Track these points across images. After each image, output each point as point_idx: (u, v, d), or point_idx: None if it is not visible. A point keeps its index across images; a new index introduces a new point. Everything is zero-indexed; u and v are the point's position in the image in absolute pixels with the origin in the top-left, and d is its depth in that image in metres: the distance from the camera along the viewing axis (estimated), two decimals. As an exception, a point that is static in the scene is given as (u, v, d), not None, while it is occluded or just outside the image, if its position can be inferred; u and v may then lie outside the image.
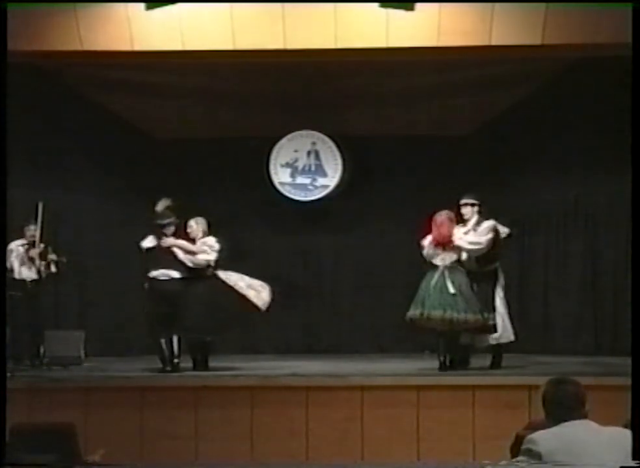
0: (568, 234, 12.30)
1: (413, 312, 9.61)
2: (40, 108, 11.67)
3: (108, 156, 12.30)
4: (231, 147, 12.35)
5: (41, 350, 10.55)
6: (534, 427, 4.60)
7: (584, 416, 4.17)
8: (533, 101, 11.68)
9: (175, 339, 9.79)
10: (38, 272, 10.69)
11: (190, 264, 9.93)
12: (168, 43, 9.30)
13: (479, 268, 9.83)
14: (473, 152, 12.10)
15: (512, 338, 9.89)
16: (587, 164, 11.74)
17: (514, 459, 4.23)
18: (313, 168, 12.46)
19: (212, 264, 10.03)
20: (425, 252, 9.82)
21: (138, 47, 9.30)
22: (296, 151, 12.47)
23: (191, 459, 8.64)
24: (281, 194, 12.45)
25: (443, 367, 9.59)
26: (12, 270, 10.53)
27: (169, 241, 9.95)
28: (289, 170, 12.47)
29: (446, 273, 9.64)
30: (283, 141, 12.42)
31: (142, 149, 12.35)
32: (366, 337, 12.58)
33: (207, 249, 10.02)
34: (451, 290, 9.52)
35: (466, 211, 9.90)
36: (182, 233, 10.13)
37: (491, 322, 9.71)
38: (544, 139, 11.91)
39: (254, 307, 10.01)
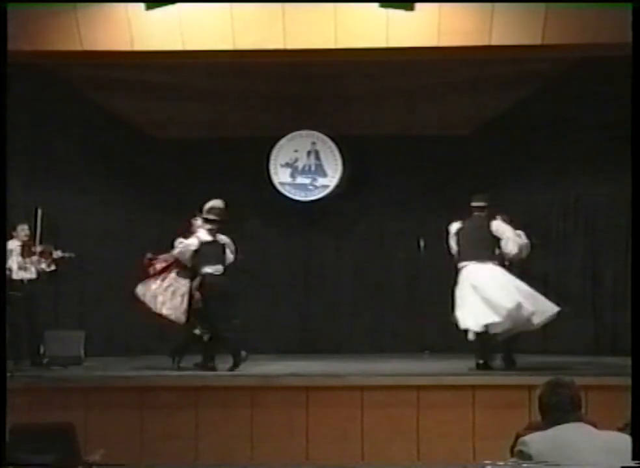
0: (568, 235, 12.30)
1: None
2: (40, 108, 11.67)
3: (108, 156, 12.30)
4: (231, 147, 12.34)
5: (41, 350, 10.55)
6: (534, 427, 4.59)
7: (579, 419, 4.16)
8: (533, 101, 11.68)
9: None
10: (37, 271, 10.68)
11: (230, 260, 10.26)
12: (168, 43, 9.31)
13: None
14: (474, 152, 12.09)
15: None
16: (587, 164, 11.73)
17: (504, 461, 4.24)
18: (313, 168, 12.46)
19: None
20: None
21: (138, 47, 9.30)
22: (296, 151, 12.47)
23: (191, 459, 8.64)
24: (281, 194, 12.45)
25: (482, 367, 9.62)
26: (11, 270, 10.51)
27: (223, 238, 10.27)
28: (289, 170, 12.47)
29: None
30: (283, 141, 12.42)
31: (142, 149, 12.35)
32: (366, 337, 12.57)
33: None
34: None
35: (479, 214, 9.97)
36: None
37: None
38: (544, 139, 11.90)
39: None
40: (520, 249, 9.94)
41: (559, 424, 4.12)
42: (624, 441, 4.15)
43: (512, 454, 5.49)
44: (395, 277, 12.43)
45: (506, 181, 12.15)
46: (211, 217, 10.21)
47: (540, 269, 12.21)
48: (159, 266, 10.33)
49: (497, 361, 9.85)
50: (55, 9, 9.15)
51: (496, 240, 9.83)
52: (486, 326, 9.42)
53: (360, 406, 8.76)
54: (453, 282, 9.73)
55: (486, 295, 9.48)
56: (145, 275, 10.32)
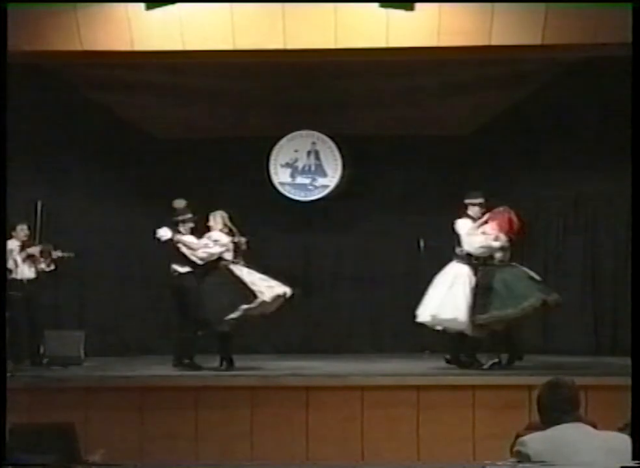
0: (568, 234, 12.30)
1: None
2: (39, 108, 11.66)
3: (108, 155, 12.30)
4: (231, 147, 12.34)
5: (41, 350, 10.55)
6: (534, 427, 4.60)
7: (578, 419, 4.16)
8: (533, 101, 11.67)
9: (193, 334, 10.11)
10: (37, 271, 10.68)
11: (193, 259, 10.27)
12: (168, 43, 9.30)
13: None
14: (473, 152, 12.08)
15: None
16: (587, 164, 11.73)
17: (504, 461, 4.25)
18: (313, 168, 12.46)
19: (225, 257, 10.30)
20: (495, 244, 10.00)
21: (138, 47, 9.29)
22: (296, 151, 12.46)
23: (191, 459, 8.64)
24: (281, 194, 12.44)
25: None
26: (11, 270, 10.52)
27: (176, 237, 10.35)
28: (289, 170, 12.46)
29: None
30: (283, 141, 12.41)
31: (142, 149, 12.34)
32: (366, 337, 12.57)
33: (209, 243, 10.25)
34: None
35: (474, 211, 10.05)
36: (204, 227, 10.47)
37: None
38: (544, 139, 11.90)
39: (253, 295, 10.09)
40: (475, 248, 9.97)
41: (557, 424, 4.13)
42: (623, 441, 4.15)
43: (512, 454, 5.50)
44: (395, 277, 12.43)
45: (506, 180, 12.15)
46: (174, 219, 10.50)
47: (539, 268, 12.23)
48: None
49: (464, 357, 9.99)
50: (55, 9, 9.15)
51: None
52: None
53: (360, 406, 8.76)
54: None
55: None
56: None
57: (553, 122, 11.82)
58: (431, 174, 12.24)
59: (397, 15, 9.02)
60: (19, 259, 10.61)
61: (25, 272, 10.67)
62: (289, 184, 12.45)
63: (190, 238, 10.38)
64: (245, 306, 9.96)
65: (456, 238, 10.14)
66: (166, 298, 11.82)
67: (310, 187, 12.44)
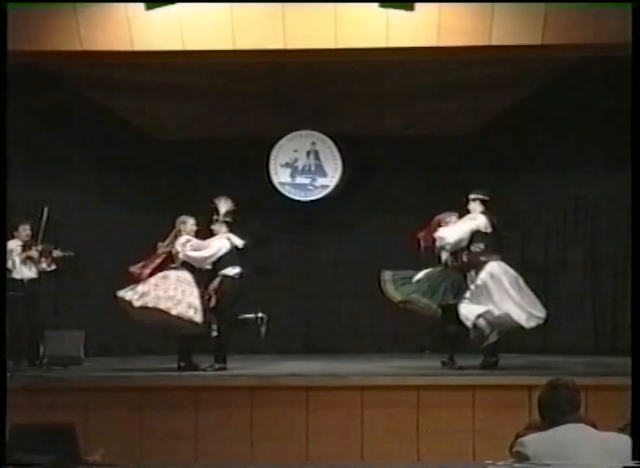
0: (568, 234, 12.30)
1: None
2: (39, 108, 11.67)
3: (108, 155, 12.30)
4: (231, 147, 12.34)
5: (41, 350, 10.54)
6: (534, 427, 4.60)
7: (578, 420, 4.17)
8: (532, 101, 11.67)
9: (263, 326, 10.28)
10: (38, 271, 10.69)
11: (196, 264, 10.28)
12: (168, 43, 9.30)
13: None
14: (473, 152, 12.09)
15: None
16: (587, 164, 11.74)
17: (504, 461, 4.25)
18: (312, 168, 12.46)
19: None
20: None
21: (138, 47, 9.29)
22: (296, 151, 12.46)
23: (191, 459, 8.64)
24: (281, 194, 12.45)
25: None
26: (11, 270, 10.52)
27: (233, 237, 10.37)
28: (288, 170, 12.46)
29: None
30: (283, 141, 12.42)
31: (141, 149, 12.34)
32: (366, 337, 12.57)
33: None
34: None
35: (472, 206, 9.95)
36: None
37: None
38: (544, 139, 11.91)
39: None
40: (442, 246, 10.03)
41: (557, 425, 4.13)
42: (623, 441, 4.15)
43: (511, 454, 5.50)
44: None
45: (506, 180, 12.15)
46: (229, 219, 10.41)
47: (539, 268, 12.23)
48: (147, 270, 10.28)
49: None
50: (55, 9, 9.15)
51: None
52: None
53: (360, 406, 8.76)
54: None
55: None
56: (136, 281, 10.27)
57: (553, 122, 11.82)
58: (431, 174, 12.24)
59: (397, 15, 9.02)
60: (17, 260, 10.61)
61: (25, 272, 10.67)
62: (289, 184, 12.45)
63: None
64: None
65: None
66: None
67: (310, 187, 12.44)
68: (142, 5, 9.08)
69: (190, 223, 10.29)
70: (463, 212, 10.09)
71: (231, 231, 10.37)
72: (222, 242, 10.30)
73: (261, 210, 12.37)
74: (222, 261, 10.24)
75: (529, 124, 11.84)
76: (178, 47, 9.28)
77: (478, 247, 9.80)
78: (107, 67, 10.92)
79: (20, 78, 9.39)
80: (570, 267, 12.20)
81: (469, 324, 9.55)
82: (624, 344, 9.79)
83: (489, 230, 9.84)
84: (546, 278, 12.20)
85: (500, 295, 9.60)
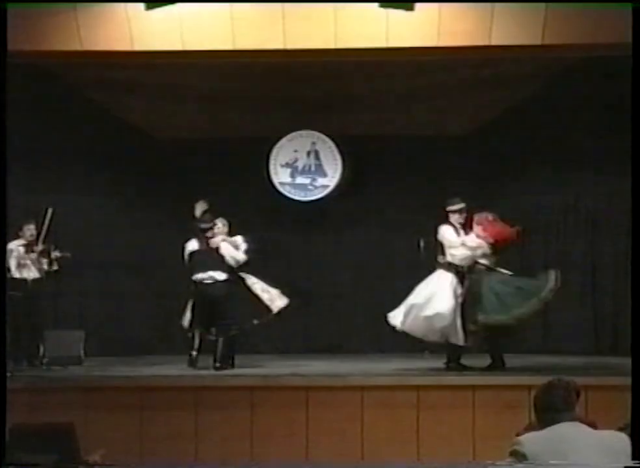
0: (568, 234, 12.30)
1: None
2: (39, 108, 11.66)
3: (108, 156, 12.30)
4: (231, 147, 12.34)
5: (41, 350, 10.54)
6: (534, 427, 4.60)
7: (574, 418, 4.18)
8: (532, 101, 11.67)
9: (231, 331, 10.26)
10: (40, 271, 10.69)
11: (233, 264, 10.40)
12: (168, 43, 9.30)
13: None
14: (473, 152, 12.09)
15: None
16: (587, 164, 11.73)
17: (504, 461, 4.26)
18: (313, 168, 12.46)
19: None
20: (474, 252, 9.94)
21: (138, 47, 9.29)
22: (296, 151, 12.46)
23: (191, 459, 8.64)
24: (281, 194, 12.45)
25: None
26: (10, 270, 10.52)
27: (216, 241, 10.42)
28: (289, 170, 12.46)
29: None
30: (283, 141, 12.42)
31: (141, 149, 12.34)
32: (366, 337, 12.57)
33: (240, 245, 10.54)
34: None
35: (458, 217, 10.04)
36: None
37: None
38: (544, 139, 11.90)
39: (266, 308, 10.38)
40: (458, 260, 10.05)
41: (553, 423, 4.14)
42: (621, 439, 4.16)
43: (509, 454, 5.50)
44: (395, 277, 12.42)
45: (506, 180, 12.16)
46: (200, 226, 10.50)
47: (539, 268, 12.22)
48: None
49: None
50: (55, 9, 9.14)
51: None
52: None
53: (360, 406, 8.76)
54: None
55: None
56: None
57: (553, 122, 11.81)
58: (431, 174, 12.23)
59: (397, 15, 9.01)
60: (20, 260, 10.61)
61: (28, 272, 10.67)
62: (289, 184, 12.45)
63: (230, 240, 10.54)
64: (256, 321, 10.41)
65: (439, 246, 10.12)
66: (168, 299, 11.88)
67: (310, 187, 12.44)
68: (142, 5, 9.07)
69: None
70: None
71: (205, 235, 10.48)
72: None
73: (261, 210, 12.37)
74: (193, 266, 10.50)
75: (529, 124, 11.84)
76: (178, 47, 9.28)
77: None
78: (107, 67, 10.92)
79: (20, 78, 9.40)
80: (570, 267, 12.19)
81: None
82: (624, 344, 9.79)
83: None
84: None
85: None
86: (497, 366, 9.77)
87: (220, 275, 10.32)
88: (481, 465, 7.18)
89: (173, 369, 10.06)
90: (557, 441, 4.08)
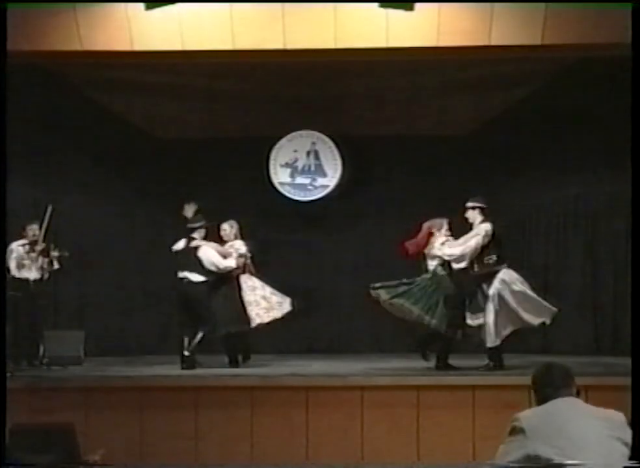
0: (568, 234, 12.30)
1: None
2: (39, 108, 11.66)
3: (108, 155, 12.30)
4: (231, 147, 12.34)
5: (41, 350, 10.55)
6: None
7: (572, 395, 4.25)
8: (532, 101, 11.68)
9: (198, 336, 10.16)
10: (40, 271, 10.69)
11: (213, 269, 10.38)
12: (168, 43, 9.30)
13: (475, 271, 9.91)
14: (473, 152, 12.09)
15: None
16: (587, 163, 11.74)
17: (504, 461, 4.28)
18: (312, 168, 12.46)
19: (239, 265, 10.54)
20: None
21: (138, 47, 9.29)
22: (295, 151, 12.47)
23: (191, 459, 8.63)
24: (281, 194, 12.45)
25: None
26: (10, 270, 10.52)
27: (197, 242, 10.42)
28: (288, 170, 12.47)
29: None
30: (283, 141, 12.42)
31: (142, 149, 12.35)
32: (366, 337, 12.57)
33: (232, 252, 10.51)
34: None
35: (470, 215, 9.94)
36: (215, 236, 10.66)
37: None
38: (544, 139, 11.90)
39: (246, 319, 10.39)
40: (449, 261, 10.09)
41: (551, 399, 4.21)
42: (618, 415, 4.21)
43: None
44: (395, 277, 12.41)
45: (506, 180, 12.16)
46: (188, 226, 10.60)
47: (539, 269, 12.23)
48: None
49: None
50: (55, 9, 9.14)
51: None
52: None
53: (360, 406, 8.76)
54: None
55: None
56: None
57: (553, 122, 11.82)
58: (431, 174, 12.24)
59: (397, 15, 9.02)
60: (14, 263, 10.60)
61: (27, 272, 10.66)
62: (288, 184, 12.45)
63: (216, 246, 10.53)
64: (237, 329, 10.40)
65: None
66: (167, 300, 11.88)
67: (310, 187, 12.44)
68: (142, 5, 9.08)
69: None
70: (455, 215, 10.09)
71: (207, 235, 10.57)
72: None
73: (261, 210, 12.38)
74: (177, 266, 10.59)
75: (529, 124, 11.84)
76: (178, 47, 9.28)
77: (491, 259, 9.82)
78: (107, 67, 10.92)
79: (20, 78, 9.39)
80: (570, 267, 12.20)
81: (495, 338, 9.66)
82: (624, 344, 9.79)
83: (486, 240, 9.82)
84: (545, 278, 12.21)
85: (514, 300, 9.66)
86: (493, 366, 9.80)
87: (195, 277, 10.32)
88: (481, 465, 7.19)
89: (173, 369, 10.07)
90: (554, 414, 4.15)
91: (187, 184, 12.31)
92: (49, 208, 10.54)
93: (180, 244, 10.51)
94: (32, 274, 10.69)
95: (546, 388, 4.27)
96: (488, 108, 11.93)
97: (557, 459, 4.02)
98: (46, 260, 10.71)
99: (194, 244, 10.41)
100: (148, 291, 12.45)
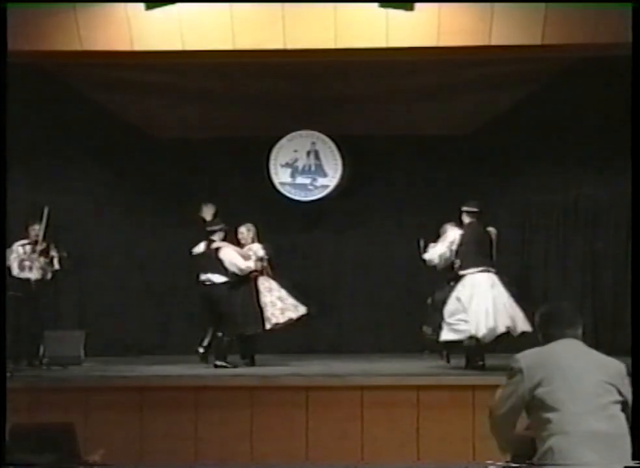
0: (568, 234, 12.30)
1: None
2: (39, 108, 11.67)
3: (108, 155, 12.31)
4: (231, 147, 12.34)
5: (41, 350, 10.55)
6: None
7: (577, 337, 4.31)
8: (533, 101, 11.67)
9: (221, 336, 10.39)
10: (41, 271, 10.69)
11: (235, 270, 10.55)
12: (168, 43, 9.30)
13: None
14: (474, 152, 12.09)
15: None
16: (587, 164, 11.74)
17: (504, 461, 4.32)
18: (313, 168, 12.46)
19: (257, 268, 10.67)
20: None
21: (138, 47, 9.29)
22: (296, 151, 12.46)
23: (191, 459, 8.63)
24: (281, 194, 12.45)
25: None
26: (11, 270, 10.52)
27: (218, 243, 10.59)
28: (289, 170, 12.46)
29: None
30: (283, 141, 12.42)
31: (141, 149, 12.35)
32: (366, 337, 12.57)
33: (251, 255, 10.64)
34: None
35: (463, 218, 10.04)
36: (233, 238, 10.79)
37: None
38: (544, 139, 11.90)
39: (261, 322, 10.52)
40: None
41: (554, 340, 4.27)
42: (617, 365, 4.26)
43: (511, 454, 5.49)
44: (395, 277, 12.43)
45: (506, 180, 12.16)
46: (207, 229, 10.75)
47: (539, 269, 12.24)
48: None
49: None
50: (55, 9, 9.15)
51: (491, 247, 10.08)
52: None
53: (360, 406, 8.76)
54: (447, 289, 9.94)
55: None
56: None
57: (553, 122, 11.81)
58: (431, 174, 12.24)
59: (397, 15, 9.02)
60: (15, 263, 10.60)
61: (28, 272, 10.66)
62: (289, 184, 12.45)
63: (237, 248, 10.67)
64: (255, 331, 10.57)
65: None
66: (167, 299, 11.88)
67: (310, 187, 12.44)
68: (142, 5, 9.08)
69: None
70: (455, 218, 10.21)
71: (225, 238, 10.70)
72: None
73: (261, 210, 12.37)
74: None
75: (529, 124, 11.84)
76: (178, 47, 9.29)
77: (455, 263, 10.03)
78: (107, 67, 10.92)
79: (20, 78, 9.39)
80: (570, 266, 12.19)
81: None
82: (624, 344, 9.79)
83: (454, 247, 10.00)
84: (545, 277, 12.21)
85: (476, 304, 9.80)
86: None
87: (217, 278, 10.49)
88: (481, 465, 7.18)
89: (173, 369, 10.07)
90: (553, 355, 4.21)
91: (187, 184, 12.31)
92: (46, 209, 10.54)
93: (200, 247, 10.66)
94: (33, 274, 10.69)
95: (551, 328, 4.30)
96: (488, 108, 11.93)
97: (549, 401, 4.06)
98: (46, 260, 10.71)
99: (214, 245, 10.57)
100: (148, 291, 12.45)
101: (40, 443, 6.14)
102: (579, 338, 4.31)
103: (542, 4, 8.97)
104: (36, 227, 10.69)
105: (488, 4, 9.03)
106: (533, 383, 4.15)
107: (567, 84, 11.36)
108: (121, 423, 8.69)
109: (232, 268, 10.54)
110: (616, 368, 4.23)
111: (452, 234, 10.08)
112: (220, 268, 10.49)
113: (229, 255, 10.54)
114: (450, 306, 9.83)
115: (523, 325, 9.72)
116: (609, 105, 10.81)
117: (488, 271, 9.97)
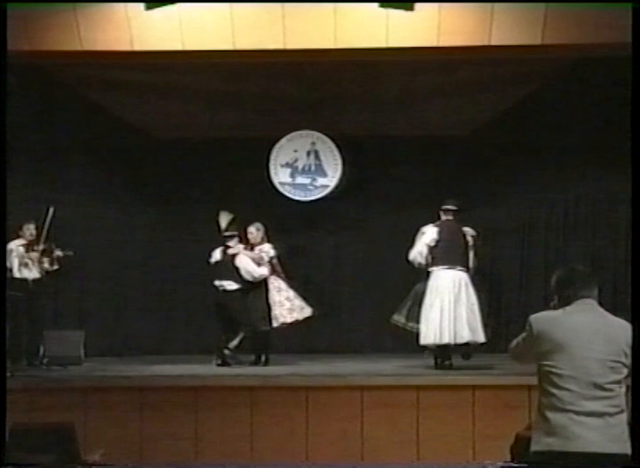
0: (568, 234, 12.30)
1: None
2: (39, 108, 11.66)
3: (107, 156, 12.30)
4: (231, 147, 12.33)
5: (41, 350, 10.54)
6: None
7: (593, 297, 4.41)
8: (533, 101, 11.67)
9: (237, 338, 10.50)
10: (40, 270, 10.68)
11: (249, 278, 10.68)
12: (168, 43, 9.31)
13: None
14: (473, 152, 12.08)
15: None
16: (587, 164, 11.74)
17: (502, 462, 4.39)
18: (313, 168, 12.45)
19: (269, 271, 10.81)
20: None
21: (138, 47, 9.30)
22: (296, 151, 12.45)
23: (191, 459, 8.63)
24: (281, 194, 12.44)
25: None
26: (11, 270, 10.51)
27: (234, 249, 10.75)
28: (289, 170, 12.45)
29: None
30: (283, 141, 12.40)
31: (141, 149, 12.34)
32: (366, 337, 12.57)
33: (264, 256, 10.77)
34: None
35: (441, 216, 10.27)
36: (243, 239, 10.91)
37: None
38: (544, 139, 11.89)
39: (269, 320, 10.61)
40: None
41: (570, 302, 4.36)
42: (625, 326, 4.57)
43: (512, 454, 5.50)
44: (394, 277, 12.42)
45: (506, 180, 12.15)
46: (224, 236, 10.88)
47: (539, 269, 12.22)
48: None
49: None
50: (55, 9, 9.15)
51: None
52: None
53: (360, 406, 8.76)
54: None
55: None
56: None
57: (553, 122, 11.81)
58: (431, 174, 12.23)
59: (397, 15, 9.02)
60: (14, 263, 10.60)
61: (28, 272, 10.66)
62: (289, 184, 12.44)
63: (251, 253, 10.79)
64: (266, 328, 10.65)
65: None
66: (168, 299, 11.88)
67: (310, 187, 12.43)
68: (142, 5, 9.09)
69: None
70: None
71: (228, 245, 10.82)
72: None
73: (261, 210, 12.37)
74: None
75: (529, 124, 11.83)
76: (178, 47, 9.29)
77: (427, 259, 10.17)
78: (107, 67, 10.92)
79: (20, 78, 9.40)
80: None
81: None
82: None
83: (433, 243, 10.13)
84: (546, 277, 12.18)
85: (434, 313, 10.00)
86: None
87: (231, 285, 10.64)
88: (481, 465, 7.19)
89: (173, 369, 10.07)
90: (563, 324, 4.29)
91: (187, 184, 12.31)
92: (51, 210, 10.55)
93: (217, 255, 10.81)
94: (32, 274, 10.68)
95: (566, 290, 4.38)
96: (488, 108, 11.92)
97: (553, 376, 4.20)
98: (47, 260, 10.71)
99: (230, 251, 10.71)
100: (148, 291, 12.44)
101: (40, 443, 6.14)
102: (595, 298, 4.40)
103: (542, 4, 8.97)
104: (31, 226, 10.68)
105: (488, 4, 9.03)
106: (540, 349, 4.28)
107: (567, 84, 11.36)
108: (121, 423, 8.69)
109: (247, 276, 10.69)
110: (626, 333, 4.50)
111: (429, 233, 10.16)
112: (235, 275, 10.65)
113: (244, 262, 10.68)
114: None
115: (480, 336, 9.90)
116: (608, 105, 10.81)
117: (457, 269, 10.01)
